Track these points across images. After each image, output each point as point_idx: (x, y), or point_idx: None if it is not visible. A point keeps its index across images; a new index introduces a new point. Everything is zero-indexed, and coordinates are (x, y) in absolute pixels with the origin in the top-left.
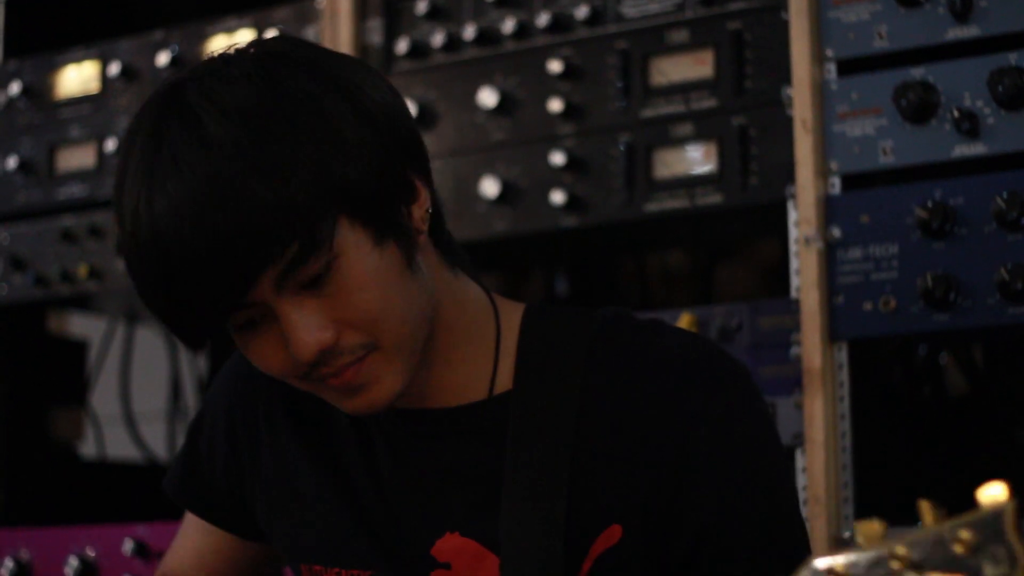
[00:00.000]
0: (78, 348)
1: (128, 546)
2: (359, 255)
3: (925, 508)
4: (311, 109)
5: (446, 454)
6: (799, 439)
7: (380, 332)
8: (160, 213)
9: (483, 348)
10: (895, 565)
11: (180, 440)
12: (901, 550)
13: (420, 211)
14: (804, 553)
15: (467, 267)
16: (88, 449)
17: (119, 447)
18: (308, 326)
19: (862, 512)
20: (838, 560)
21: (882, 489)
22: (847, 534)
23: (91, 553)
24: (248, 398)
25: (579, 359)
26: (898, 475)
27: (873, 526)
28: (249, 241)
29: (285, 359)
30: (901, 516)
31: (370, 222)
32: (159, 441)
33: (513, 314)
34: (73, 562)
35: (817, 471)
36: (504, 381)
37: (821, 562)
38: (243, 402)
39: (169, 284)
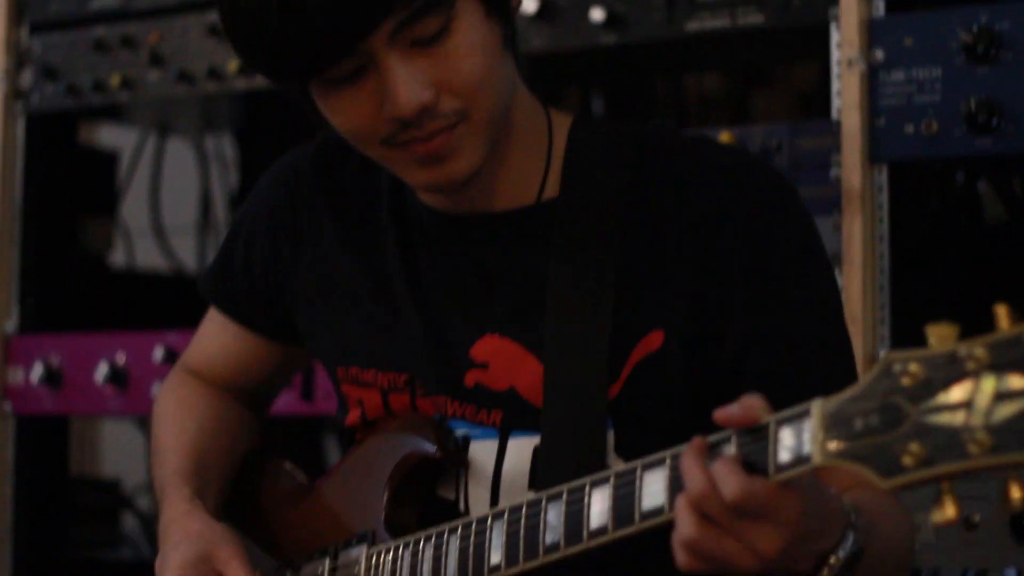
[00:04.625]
0: (109, 159)
1: (159, 353)
2: (473, 22)
3: (1002, 312)
4: None
5: (489, 257)
6: (836, 260)
7: (476, 101)
8: None
9: (535, 153)
10: (971, 365)
11: (210, 253)
12: (979, 351)
13: None
14: (851, 364)
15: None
16: (117, 259)
17: (148, 258)
18: (413, 82)
19: (897, 334)
20: (912, 355)
21: (917, 312)
22: (882, 353)
23: (121, 359)
24: (292, 204)
25: (627, 168)
26: (934, 299)
27: (946, 329)
28: None
29: (374, 116)
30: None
31: None
32: (188, 253)
33: (563, 124)
34: (103, 368)
35: (854, 292)
36: (553, 188)
37: (894, 356)
38: (287, 207)
39: (300, 16)
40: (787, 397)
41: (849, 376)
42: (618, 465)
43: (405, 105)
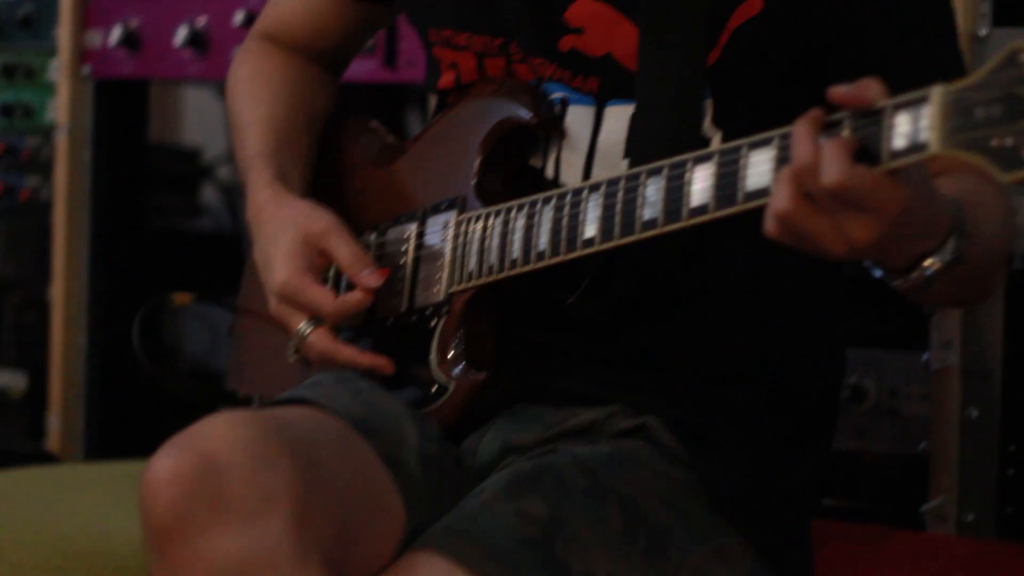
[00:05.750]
0: None
1: (239, 17)
2: None
3: None
4: None
5: None
6: None
7: None
8: None
9: None
10: None
11: None
12: None
13: None
14: (961, 53)
15: None
16: None
17: None
18: None
19: (999, 13)
20: None
21: None
22: (983, 32)
23: (201, 22)
24: None
25: None
26: None
27: None
28: None
29: None
30: None
31: None
32: None
33: None
34: (183, 31)
35: None
36: None
37: (1019, 45)
38: None
39: None
40: (896, 81)
41: (960, 65)
42: (715, 135)
43: None
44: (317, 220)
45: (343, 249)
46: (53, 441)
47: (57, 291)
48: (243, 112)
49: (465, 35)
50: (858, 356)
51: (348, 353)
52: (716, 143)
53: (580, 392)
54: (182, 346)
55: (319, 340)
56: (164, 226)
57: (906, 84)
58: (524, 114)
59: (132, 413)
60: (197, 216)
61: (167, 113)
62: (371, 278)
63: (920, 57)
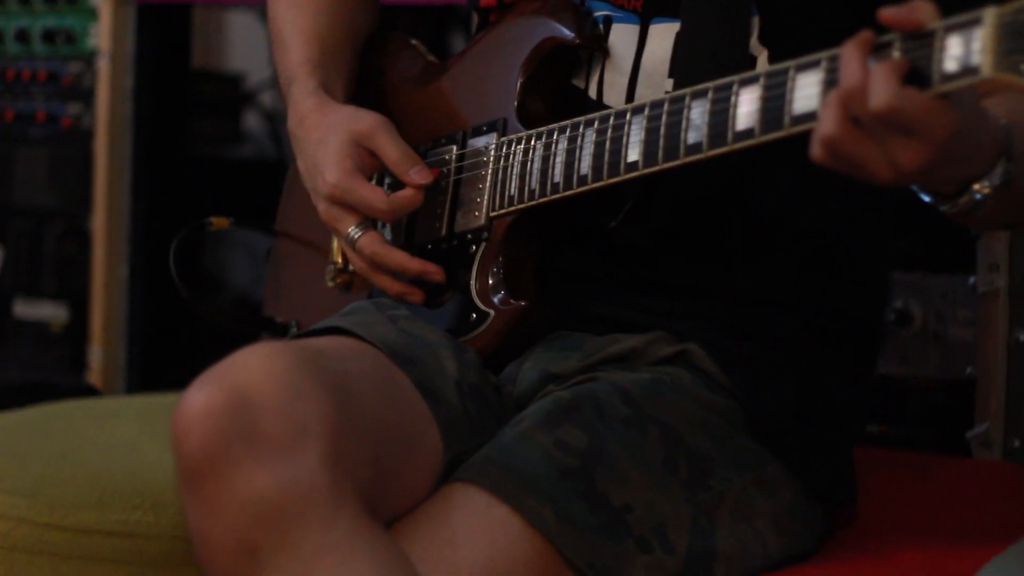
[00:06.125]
0: None
1: None
2: None
3: None
4: None
5: None
6: None
7: None
8: None
9: None
10: None
11: None
12: None
13: None
14: None
15: None
16: None
17: None
18: None
19: None
20: None
21: None
22: None
23: None
24: None
25: None
26: None
27: None
28: None
29: None
30: None
31: None
32: None
33: None
34: None
35: None
36: None
37: None
38: None
39: None
40: (947, 2)
41: None
42: (761, 54)
43: None
44: (364, 120)
45: (392, 148)
46: (95, 374)
47: (99, 221)
48: (286, 23)
49: None
50: (904, 279)
51: (398, 257)
52: (762, 62)
53: (621, 318)
54: (225, 277)
55: (370, 243)
56: (206, 153)
57: (958, 6)
58: (567, 33)
59: (175, 345)
60: (240, 143)
61: (210, 38)
62: (420, 176)
63: None
